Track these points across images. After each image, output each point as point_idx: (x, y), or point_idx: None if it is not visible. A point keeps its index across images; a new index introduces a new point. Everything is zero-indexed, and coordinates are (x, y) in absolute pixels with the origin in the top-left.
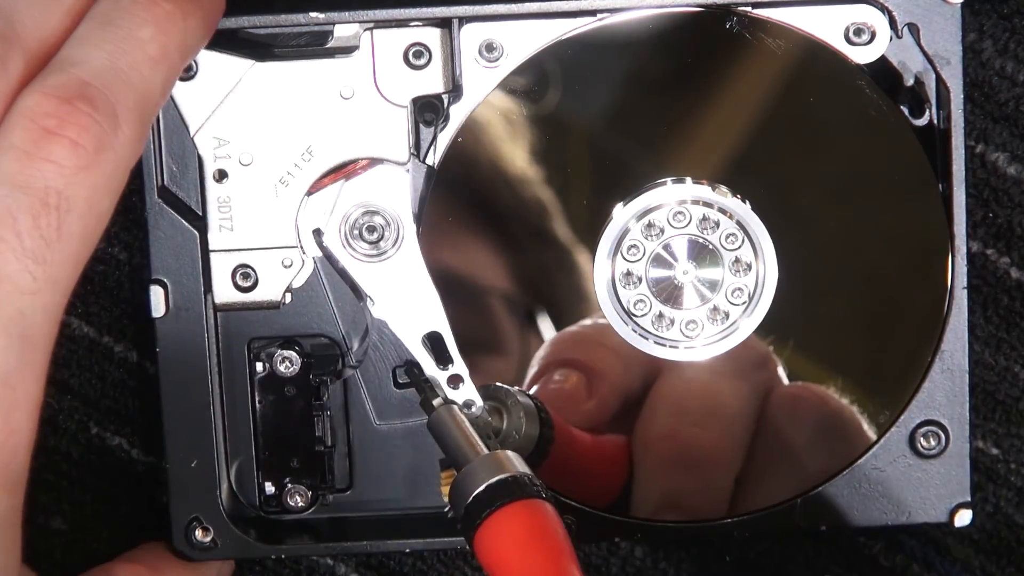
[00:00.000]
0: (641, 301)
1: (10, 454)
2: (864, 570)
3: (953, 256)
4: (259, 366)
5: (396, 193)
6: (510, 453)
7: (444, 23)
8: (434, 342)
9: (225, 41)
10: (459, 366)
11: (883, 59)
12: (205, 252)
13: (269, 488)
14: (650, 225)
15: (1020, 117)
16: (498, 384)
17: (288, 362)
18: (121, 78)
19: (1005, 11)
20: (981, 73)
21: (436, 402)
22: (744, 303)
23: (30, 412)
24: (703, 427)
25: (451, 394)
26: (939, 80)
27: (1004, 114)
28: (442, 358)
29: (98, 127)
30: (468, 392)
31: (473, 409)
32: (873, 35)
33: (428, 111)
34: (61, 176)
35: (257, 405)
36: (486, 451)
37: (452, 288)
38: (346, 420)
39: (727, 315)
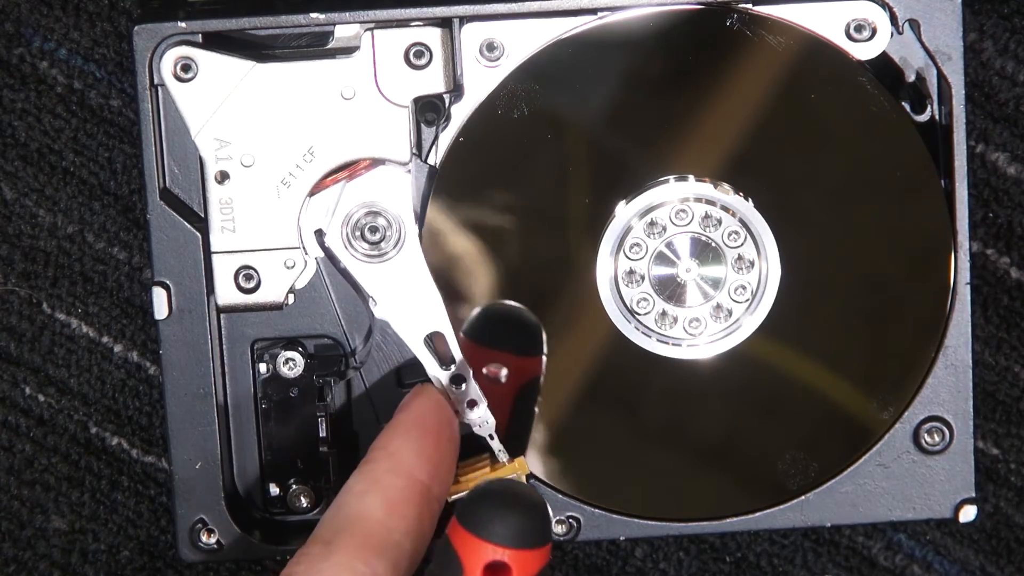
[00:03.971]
0: (644, 299)
1: None
2: (864, 570)
3: (956, 252)
4: (262, 367)
5: (398, 194)
6: None
7: (445, 23)
8: (437, 342)
9: (226, 42)
10: (462, 366)
11: (884, 55)
12: (207, 254)
13: (273, 490)
14: (652, 223)
15: (1020, 117)
16: None
17: (291, 363)
18: None
19: (1005, 11)
20: (981, 73)
21: None
22: (747, 300)
23: None
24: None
25: (454, 394)
26: (940, 76)
27: (1004, 114)
28: (445, 358)
29: None
30: (471, 392)
31: (476, 409)
32: (874, 31)
33: (429, 111)
34: None
35: (261, 406)
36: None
37: (453, 288)
38: (350, 421)
39: (730, 312)
